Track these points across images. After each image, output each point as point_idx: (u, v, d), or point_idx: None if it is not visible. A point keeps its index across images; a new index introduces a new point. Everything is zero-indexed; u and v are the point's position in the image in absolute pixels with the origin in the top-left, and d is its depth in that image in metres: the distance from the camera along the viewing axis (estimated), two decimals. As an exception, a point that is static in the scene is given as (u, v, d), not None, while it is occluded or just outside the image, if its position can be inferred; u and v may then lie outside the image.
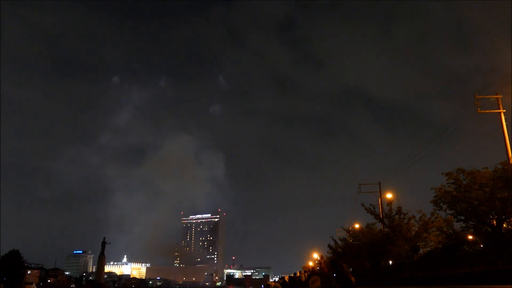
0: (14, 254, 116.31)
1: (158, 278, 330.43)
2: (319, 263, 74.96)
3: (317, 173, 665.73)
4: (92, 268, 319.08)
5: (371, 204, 33.85)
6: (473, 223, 23.07)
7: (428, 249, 30.41)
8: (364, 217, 44.07)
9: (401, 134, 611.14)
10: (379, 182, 48.58)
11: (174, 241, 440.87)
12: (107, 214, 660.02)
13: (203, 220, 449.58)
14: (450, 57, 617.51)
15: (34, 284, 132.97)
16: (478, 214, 22.00)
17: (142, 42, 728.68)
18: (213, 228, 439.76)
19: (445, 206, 24.26)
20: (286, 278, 44.33)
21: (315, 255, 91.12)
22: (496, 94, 30.10)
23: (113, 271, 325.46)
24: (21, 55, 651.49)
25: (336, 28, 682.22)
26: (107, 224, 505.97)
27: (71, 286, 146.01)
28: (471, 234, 24.96)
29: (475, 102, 30.30)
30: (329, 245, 54.98)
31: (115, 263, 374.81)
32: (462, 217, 23.42)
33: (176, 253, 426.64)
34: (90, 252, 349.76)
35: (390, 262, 35.53)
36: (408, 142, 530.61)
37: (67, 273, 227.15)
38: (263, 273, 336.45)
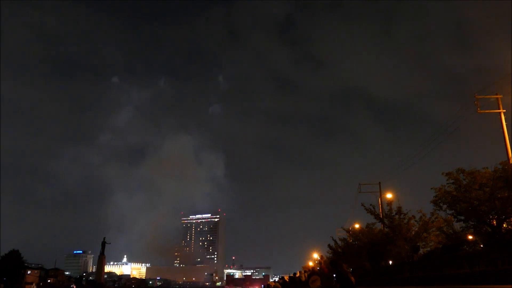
0: (14, 254, 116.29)
1: (158, 278, 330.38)
2: (319, 263, 74.94)
3: (317, 173, 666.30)
4: (92, 268, 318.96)
5: (371, 204, 33.90)
6: (473, 223, 23.07)
7: (428, 249, 30.41)
8: (364, 217, 43.99)
9: (401, 134, 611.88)
10: (379, 182, 48.61)
11: (174, 241, 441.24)
12: (107, 214, 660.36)
13: (203, 220, 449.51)
14: (450, 57, 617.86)
15: (34, 284, 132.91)
16: (478, 214, 21.99)
17: (142, 42, 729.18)
18: (213, 228, 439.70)
19: (445, 206, 24.26)
20: (286, 278, 44.33)
21: (315, 255, 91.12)
22: (496, 94, 30.10)
23: (113, 271, 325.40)
24: (21, 55, 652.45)
25: (336, 28, 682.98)
26: (107, 224, 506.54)
27: (71, 286, 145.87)
28: (471, 234, 24.95)
29: (475, 102, 30.31)
30: (329, 245, 55.03)
31: (115, 263, 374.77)
32: (462, 217, 23.42)
33: (176, 253, 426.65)
34: (90, 252, 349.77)
35: (390, 262, 35.54)
36: (408, 142, 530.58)
37: (67, 273, 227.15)
38: (263, 273, 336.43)
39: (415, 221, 29.87)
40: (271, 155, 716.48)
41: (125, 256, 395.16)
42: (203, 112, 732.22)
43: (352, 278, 15.20)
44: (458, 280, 18.24)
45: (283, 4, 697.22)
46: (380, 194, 46.63)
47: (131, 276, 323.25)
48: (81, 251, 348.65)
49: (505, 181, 20.70)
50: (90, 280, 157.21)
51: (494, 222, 21.93)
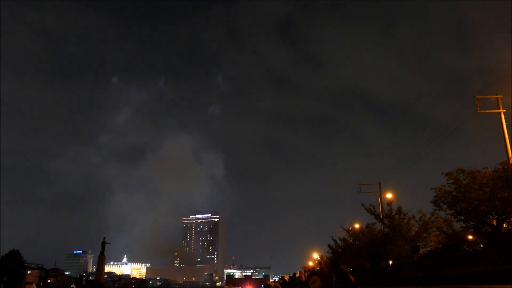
0: (14, 254, 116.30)
1: (158, 278, 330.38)
2: (319, 263, 74.94)
3: (317, 173, 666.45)
4: (92, 268, 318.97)
5: (371, 204, 33.88)
6: (473, 223, 23.05)
7: (428, 249, 30.39)
8: (364, 217, 44.12)
9: (401, 134, 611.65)
10: (379, 182, 48.61)
11: (174, 241, 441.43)
12: (107, 214, 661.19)
13: (203, 220, 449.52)
14: (450, 57, 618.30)
15: (34, 284, 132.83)
16: (478, 214, 21.98)
17: (142, 42, 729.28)
18: (213, 228, 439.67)
19: (445, 206, 24.23)
20: (286, 278, 44.34)
21: (315, 255, 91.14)
22: (496, 94, 30.10)
23: (113, 271, 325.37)
24: (21, 55, 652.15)
25: (336, 28, 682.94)
26: (107, 224, 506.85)
27: (71, 286, 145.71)
28: (471, 234, 24.94)
29: (475, 102, 30.30)
30: (329, 245, 55.04)
31: (115, 263, 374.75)
32: (462, 217, 23.40)
33: (176, 253, 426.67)
34: (90, 252, 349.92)
35: (390, 262, 35.52)
36: (408, 142, 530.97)
37: (67, 273, 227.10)
38: (263, 273, 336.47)
39: (415, 221, 29.86)
40: (271, 155, 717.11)
41: (125, 256, 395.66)
42: (203, 112, 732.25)
43: (352, 278, 15.20)
44: (458, 280, 18.23)
45: (283, 4, 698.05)
46: (380, 194, 46.66)
47: (131, 276, 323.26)
48: (81, 251, 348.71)
49: (505, 181, 20.69)
50: (90, 280, 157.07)
51: (494, 222, 21.91)
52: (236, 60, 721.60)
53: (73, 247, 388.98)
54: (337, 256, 47.28)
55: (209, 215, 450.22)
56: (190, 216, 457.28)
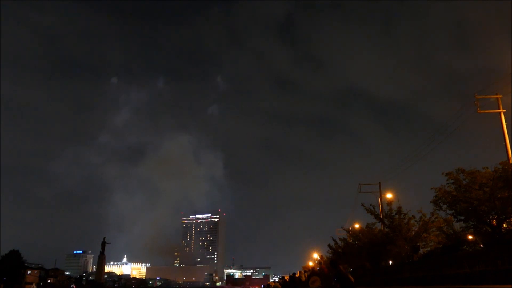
0: (14, 254, 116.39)
1: (158, 278, 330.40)
2: (319, 263, 74.97)
3: (317, 173, 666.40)
4: (92, 268, 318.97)
5: (371, 204, 33.86)
6: (473, 223, 23.03)
7: (428, 249, 30.38)
8: (364, 217, 44.01)
9: (401, 134, 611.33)
10: (379, 182, 48.60)
11: (174, 241, 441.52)
12: (107, 214, 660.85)
13: (203, 220, 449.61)
14: (450, 57, 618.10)
15: (34, 284, 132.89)
16: (478, 214, 21.97)
17: (141, 42, 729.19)
18: (213, 228, 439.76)
19: (445, 206, 24.21)
20: (286, 278, 44.29)
21: (315, 255, 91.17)
22: (496, 94, 30.08)
23: (113, 271, 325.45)
24: (21, 55, 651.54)
25: (336, 28, 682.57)
26: (107, 224, 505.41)
27: (71, 286, 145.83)
28: (471, 234, 24.92)
29: (475, 102, 30.28)
30: (329, 245, 55.07)
31: (115, 263, 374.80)
32: (462, 217, 23.38)
33: (176, 253, 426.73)
34: (90, 252, 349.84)
35: (390, 262, 35.53)
36: (408, 142, 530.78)
37: (67, 273, 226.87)
38: (263, 273, 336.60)
39: (415, 221, 29.85)
40: (270, 155, 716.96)
41: (125, 256, 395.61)
42: (203, 112, 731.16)
43: (352, 278, 15.21)
44: (458, 280, 18.24)
45: (283, 4, 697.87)
46: (380, 194, 46.66)
47: (131, 276, 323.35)
48: (81, 251, 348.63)
49: (505, 181, 20.67)
50: (90, 280, 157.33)
51: (494, 222, 21.90)
52: (236, 60, 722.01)
53: (73, 247, 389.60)
54: (337, 256, 47.30)
55: (209, 215, 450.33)
56: (190, 216, 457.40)
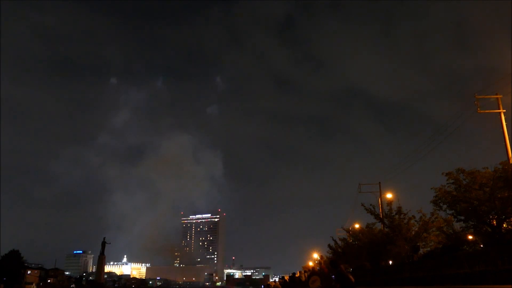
0: (14, 254, 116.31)
1: (158, 278, 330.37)
2: (319, 263, 74.95)
3: (317, 173, 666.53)
4: (92, 268, 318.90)
5: (371, 204, 33.88)
6: (473, 223, 23.03)
7: (428, 249, 30.39)
8: (364, 217, 43.99)
9: (401, 134, 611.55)
10: (379, 182, 48.60)
11: (174, 241, 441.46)
12: (107, 214, 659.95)
13: (203, 220, 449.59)
14: (450, 57, 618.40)
15: (34, 284, 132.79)
16: (478, 214, 21.97)
17: (141, 42, 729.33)
18: (213, 228, 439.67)
19: (445, 206, 24.22)
20: (286, 278, 44.30)
21: (315, 255, 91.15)
22: (496, 94, 30.08)
23: (113, 271, 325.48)
24: (21, 55, 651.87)
25: (336, 28, 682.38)
26: (107, 224, 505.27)
27: (71, 286, 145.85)
28: (471, 234, 24.92)
29: (475, 102, 30.27)
30: (329, 245, 55.06)
31: (115, 263, 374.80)
32: (462, 217, 23.38)
33: (176, 253, 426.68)
34: (90, 252, 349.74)
35: (390, 262, 35.52)
36: (408, 142, 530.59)
37: (67, 273, 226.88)
38: (263, 273, 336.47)
39: (415, 221, 29.86)
40: (270, 155, 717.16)
41: (125, 256, 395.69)
42: (203, 111, 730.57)
43: (352, 278, 15.20)
44: (458, 280, 18.24)
45: (283, 4, 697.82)
46: (380, 194, 46.64)
47: (131, 276, 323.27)
48: (81, 251, 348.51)
49: (505, 181, 20.68)
50: (90, 280, 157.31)
51: (494, 222, 21.91)
52: (236, 60, 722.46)
53: (73, 247, 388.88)
54: (337, 256, 47.28)
55: (209, 215, 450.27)
56: (190, 216, 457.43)
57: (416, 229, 29.73)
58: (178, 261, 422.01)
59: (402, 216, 30.25)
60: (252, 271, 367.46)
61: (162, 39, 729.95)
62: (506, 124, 29.01)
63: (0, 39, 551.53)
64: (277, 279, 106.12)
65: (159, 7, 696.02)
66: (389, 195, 40.58)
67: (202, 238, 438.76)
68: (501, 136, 28.76)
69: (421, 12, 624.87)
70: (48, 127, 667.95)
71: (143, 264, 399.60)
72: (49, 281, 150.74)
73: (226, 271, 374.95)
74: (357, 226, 48.86)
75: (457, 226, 26.16)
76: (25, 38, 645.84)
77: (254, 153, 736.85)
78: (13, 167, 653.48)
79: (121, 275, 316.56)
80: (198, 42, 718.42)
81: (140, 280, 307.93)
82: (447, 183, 23.55)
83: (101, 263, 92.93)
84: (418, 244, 29.23)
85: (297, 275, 45.25)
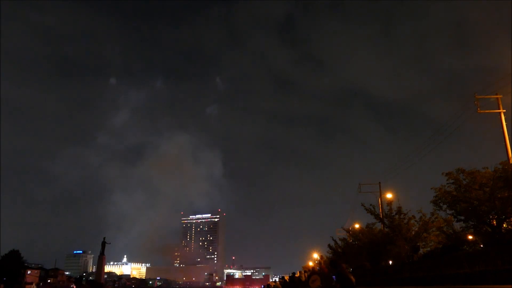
0: (14, 254, 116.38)
1: (158, 278, 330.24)
2: (319, 263, 74.91)
3: (317, 173, 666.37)
4: (92, 268, 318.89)
5: (371, 204, 33.86)
6: (473, 223, 23.03)
7: (428, 249, 30.38)
8: (364, 217, 44.01)
9: (401, 134, 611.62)
10: (379, 182, 48.65)
11: (174, 241, 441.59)
12: (107, 214, 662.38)
13: (203, 220, 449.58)
14: (450, 57, 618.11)
15: (34, 284, 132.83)
16: (478, 214, 21.97)
17: (141, 42, 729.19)
18: (213, 228, 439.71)
19: (445, 206, 24.21)
20: (286, 278, 44.27)
21: (315, 255, 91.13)
22: (496, 94, 30.08)
23: (113, 271, 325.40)
24: (21, 55, 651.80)
25: (336, 28, 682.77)
26: (106, 224, 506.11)
27: (71, 286, 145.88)
28: (471, 234, 24.91)
29: (475, 102, 30.29)
30: (329, 245, 55.04)
31: (115, 263, 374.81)
32: (462, 217, 23.38)
33: (176, 253, 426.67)
34: (90, 252, 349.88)
35: (390, 262, 35.52)
36: (408, 142, 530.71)
37: (67, 273, 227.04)
38: (263, 273, 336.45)
39: (415, 221, 29.85)
40: (270, 155, 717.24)
41: (125, 256, 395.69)
42: (202, 111, 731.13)
43: (352, 278, 15.19)
44: (458, 280, 18.25)
45: (283, 4, 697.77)
46: (380, 194, 46.66)
47: (131, 276, 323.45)
48: (81, 251, 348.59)
49: (505, 181, 20.67)
50: (90, 280, 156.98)
51: (494, 222, 21.90)
52: (236, 60, 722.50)
53: (73, 247, 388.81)
54: (337, 256, 47.26)
55: (209, 215, 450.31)
56: (190, 216, 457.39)
57: (416, 229, 29.72)
58: (178, 261, 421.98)
59: (402, 216, 30.25)
60: (252, 271, 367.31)
61: (162, 39, 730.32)
62: (506, 124, 29.03)
63: (0, 39, 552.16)
64: (277, 279, 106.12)
65: (159, 7, 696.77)
66: (389, 195, 40.58)
67: (202, 238, 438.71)
68: (501, 136, 28.78)
69: (421, 12, 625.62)
70: (48, 127, 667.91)
71: (143, 264, 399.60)
72: (49, 281, 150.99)
73: (226, 271, 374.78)
74: (357, 226, 48.86)
75: (457, 226, 26.16)
76: (25, 38, 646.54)
77: (254, 153, 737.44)
78: (13, 167, 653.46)
79: (121, 275, 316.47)
80: (198, 42, 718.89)
81: (140, 280, 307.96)
82: (447, 183, 23.55)
83: (101, 263, 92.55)
84: (418, 244, 29.23)
85: (297, 275, 45.20)
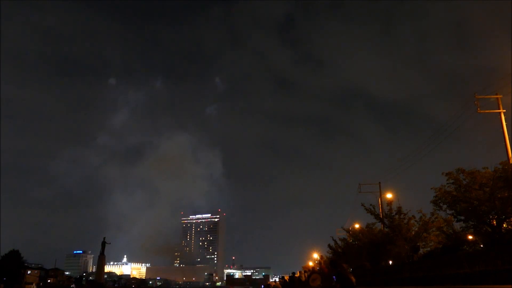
0: (14, 254, 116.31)
1: (158, 278, 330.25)
2: (319, 263, 74.93)
3: (317, 173, 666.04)
4: (92, 268, 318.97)
5: (371, 204, 33.92)
6: (473, 223, 23.05)
7: (428, 249, 30.40)
8: (364, 217, 44.03)
9: (401, 134, 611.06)
10: (379, 182, 48.62)
11: (173, 241, 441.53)
12: (107, 214, 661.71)
13: (203, 220, 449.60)
14: (450, 57, 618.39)
15: (34, 284, 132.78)
16: (478, 214, 21.98)
17: (141, 42, 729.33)
18: (213, 228, 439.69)
19: (445, 206, 24.24)
20: (286, 278, 44.27)
21: (315, 255, 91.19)
22: (496, 94, 30.10)
23: (113, 271, 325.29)
24: (21, 55, 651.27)
25: (336, 28, 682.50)
26: (106, 224, 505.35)
27: (71, 286, 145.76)
28: (471, 234, 24.93)
29: (475, 102, 30.30)
30: (329, 245, 55.09)
31: (115, 263, 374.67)
32: (462, 217, 23.40)
33: (176, 253, 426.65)
34: (90, 252, 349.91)
35: (390, 262, 35.53)
36: (408, 142, 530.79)
37: (67, 273, 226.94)
38: (263, 273, 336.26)
39: (415, 221, 29.88)
40: (270, 155, 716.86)
41: (125, 256, 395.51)
42: (202, 111, 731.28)
43: (353, 278, 15.18)
44: (458, 280, 18.26)
45: (283, 4, 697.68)
46: (380, 194, 46.64)
47: (131, 276, 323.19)
48: (81, 251, 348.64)
49: (505, 181, 20.69)
50: (90, 280, 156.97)
51: (494, 222, 21.92)
52: (236, 60, 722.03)
53: (73, 247, 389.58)
54: (337, 256, 47.30)
55: (209, 215, 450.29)
56: (190, 216, 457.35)
57: (416, 229, 29.74)
58: (178, 261, 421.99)
59: (402, 216, 30.27)
60: (252, 271, 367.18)
61: (162, 39, 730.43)
62: (506, 124, 29.03)
63: (0, 39, 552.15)
64: (277, 279, 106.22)
65: (159, 7, 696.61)
66: (389, 195, 40.57)
67: (202, 238, 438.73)
68: (501, 136, 28.78)
69: (421, 12, 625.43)
70: (48, 127, 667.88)
71: (143, 264, 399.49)
72: (49, 281, 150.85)
73: (226, 271, 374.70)
74: (357, 226, 48.85)
75: (457, 226, 26.19)
76: (25, 38, 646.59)
77: (254, 153, 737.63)
78: (13, 167, 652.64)
79: (121, 275, 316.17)
80: (198, 42, 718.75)
81: (140, 280, 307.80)
82: (447, 183, 23.57)
83: (101, 263, 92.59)
84: (418, 244, 29.24)
85: (297, 275, 45.19)
